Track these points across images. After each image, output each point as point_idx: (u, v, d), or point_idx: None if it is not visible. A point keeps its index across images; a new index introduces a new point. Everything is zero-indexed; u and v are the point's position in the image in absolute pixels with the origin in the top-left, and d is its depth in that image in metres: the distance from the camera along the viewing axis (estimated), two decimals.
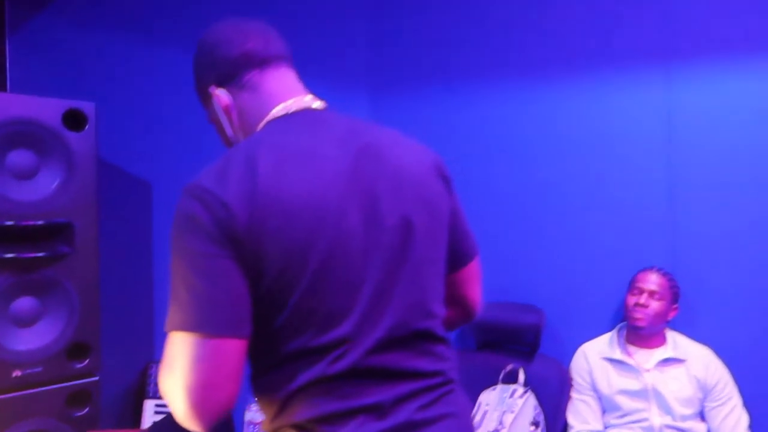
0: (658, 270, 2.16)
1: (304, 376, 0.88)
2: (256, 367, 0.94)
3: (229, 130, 1.04)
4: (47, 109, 2.11)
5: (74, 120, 2.17)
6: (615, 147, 2.36)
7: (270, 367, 0.91)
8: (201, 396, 0.83)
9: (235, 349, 0.84)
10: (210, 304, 0.83)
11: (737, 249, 2.20)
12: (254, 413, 2.03)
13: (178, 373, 0.84)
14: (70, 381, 2.16)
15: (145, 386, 2.57)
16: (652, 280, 2.13)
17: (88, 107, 2.19)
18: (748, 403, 2.10)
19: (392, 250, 0.93)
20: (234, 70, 1.02)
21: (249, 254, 0.84)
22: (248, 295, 0.86)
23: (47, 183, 2.12)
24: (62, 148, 2.14)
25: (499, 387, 2.29)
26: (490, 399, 2.26)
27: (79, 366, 2.17)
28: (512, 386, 2.26)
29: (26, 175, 2.09)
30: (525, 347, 2.39)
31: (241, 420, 2.05)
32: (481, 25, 2.54)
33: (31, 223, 2.06)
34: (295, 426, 0.89)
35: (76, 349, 2.17)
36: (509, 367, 2.31)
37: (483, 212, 2.53)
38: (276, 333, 0.89)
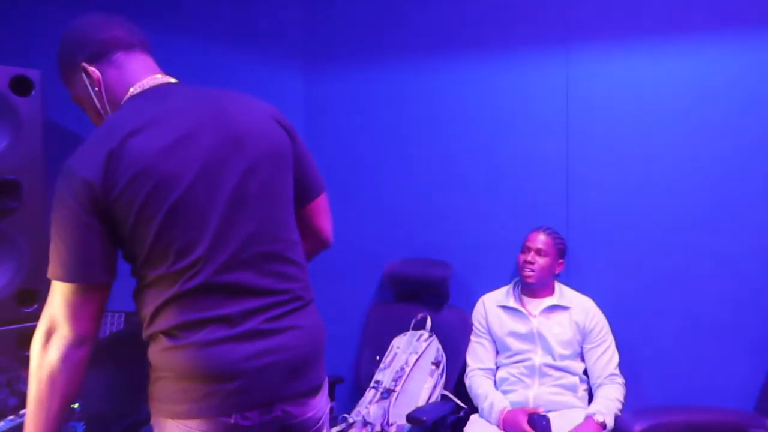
0: (545, 230, 2.44)
1: (167, 294, 1.13)
2: (136, 288, 1.19)
3: (97, 104, 1.23)
4: None
5: (21, 85, 2.35)
6: (519, 119, 2.63)
7: (143, 288, 1.17)
8: (68, 318, 1.12)
9: (92, 293, 1.12)
10: (76, 261, 1.10)
11: (622, 215, 2.49)
12: None
13: (53, 304, 1.14)
14: (20, 324, 2.38)
15: None
16: (540, 240, 2.41)
17: (34, 74, 2.37)
18: (621, 346, 2.41)
19: (237, 189, 1.16)
20: (105, 49, 1.21)
21: (110, 209, 1.09)
22: (109, 249, 1.12)
23: None
24: (10, 112, 2.32)
25: (410, 333, 2.58)
26: (401, 343, 2.55)
27: (27, 311, 2.39)
28: (420, 332, 2.55)
29: None
30: (436, 298, 2.67)
31: None
32: (404, 3, 2.77)
33: None
34: (162, 332, 1.14)
35: (26, 295, 2.38)
36: (419, 316, 2.60)
37: (403, 178, 2.79)
38: (144, 264, 1.14)
